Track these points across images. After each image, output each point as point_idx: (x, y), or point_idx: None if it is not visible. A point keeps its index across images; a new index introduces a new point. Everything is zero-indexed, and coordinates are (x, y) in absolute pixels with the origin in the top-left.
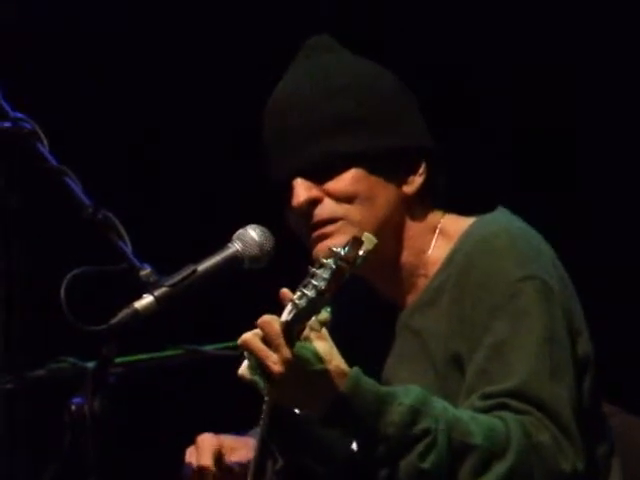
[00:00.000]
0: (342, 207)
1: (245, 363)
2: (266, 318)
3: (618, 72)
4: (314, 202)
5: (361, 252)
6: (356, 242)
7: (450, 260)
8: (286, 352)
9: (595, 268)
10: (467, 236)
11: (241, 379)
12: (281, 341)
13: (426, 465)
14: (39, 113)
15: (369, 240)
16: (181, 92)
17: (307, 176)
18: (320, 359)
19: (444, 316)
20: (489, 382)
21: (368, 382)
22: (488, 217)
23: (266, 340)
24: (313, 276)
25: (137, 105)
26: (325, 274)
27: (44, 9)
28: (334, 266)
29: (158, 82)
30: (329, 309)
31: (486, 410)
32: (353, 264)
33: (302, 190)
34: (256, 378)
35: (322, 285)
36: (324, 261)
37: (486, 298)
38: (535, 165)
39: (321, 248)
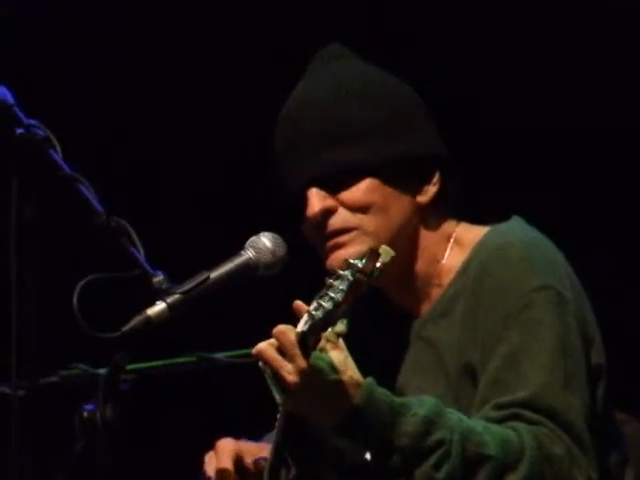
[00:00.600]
0: (356, 217)
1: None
2: (281, 328)
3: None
4: (328, 212)
5: (378, 264)
6: (373, 254)
7: (464, 269)
8: (301, 362)
9: (606, 273)
10: (482, 245)
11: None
12: (296, 351)
13: (440, 475)
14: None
15: (386, 252)
16: (187, 97)
17: (321, 186)
18: (335, 369)
19: (458, 325)
20: (502, 392)
21: (382, 393)
22: (502, 226)
23: (281, 350)
24: (330, 287)
25: (140, 117)
26: (342, 286)
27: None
28: (351, 278)
29: (161, 85)
30: (345, 321)
31: (499, 420)
32: (370, 276)
33: (316, 200)
34: (272, 388)
35: (339, 297)
36: (341, 272)
37: (500, 307)
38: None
39: (335, 258)
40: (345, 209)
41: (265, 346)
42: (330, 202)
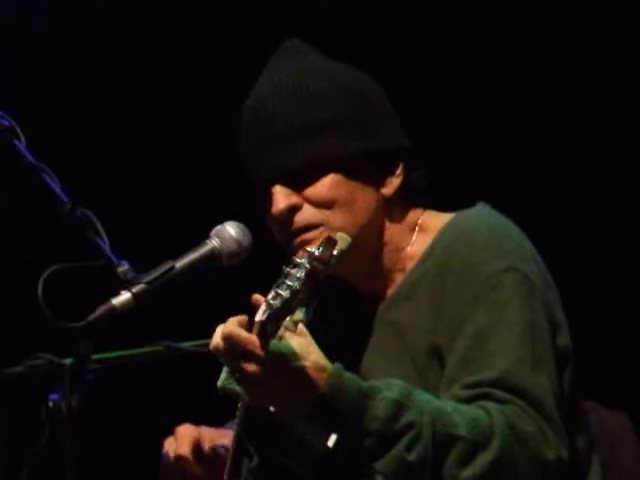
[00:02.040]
0: (322, 213)
1: (223, 374)
2: (227, 331)
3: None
4: (293, 209)
5: (335, 252)
6: (330, 242)
7: (429, 254)
8: (259, 351)
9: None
10: (446, 230)
11: (221, 391)
12: (250, 344)
13: (412, 457)
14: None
15: (343, 239)
16: (149, 86)
17: (285, 182)
18: (297, 356)
19: (423, 308)
20: (471, 371)
21: (350, 377)
22: (468, 211)
23: (236, 345)
24: (287, 276)
25: (121, 103)
26: (299, 274)
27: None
28: (308, 266)
29: (140, 79)
30: (304, 309)
31: (469, 400)
32: (327, 264)
33: (281, 197)
34: (232, 386)
35: (296, 285)
36: (298, 261)
37: (467, 289)
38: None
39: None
40: (310, 205)
41: (219, 340)
42: (295, 199)
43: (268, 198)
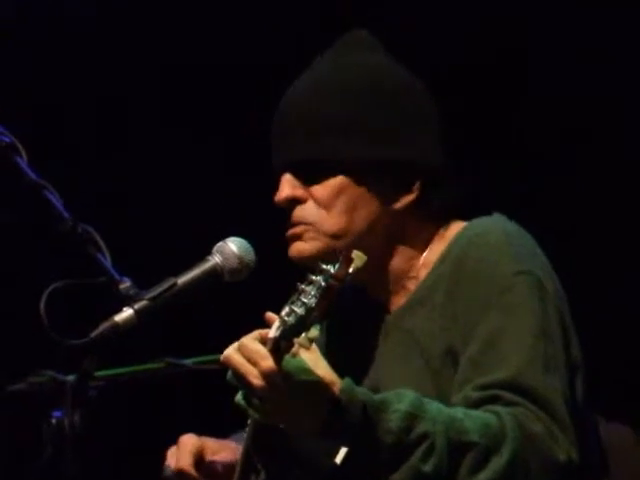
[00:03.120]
0: (319, 213)
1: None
2: (243, 341)
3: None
4: (295, 201)
5: (351, 270)
6: (346, 259)
7: (443, 259)
8: (267, 365)
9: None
10: (461, 236)
11: (238, 406)
12: (259, 356)
13: (428, 468)
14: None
15: (359, 258)
16: (160, 101)
17: (297, 174)
18: (306, 371)
19: (437, 312)
20: (482, 373)
21: (361, 392)
22: (482, 219)
23: (247, 357)
24: (302, 292)
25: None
26: (314, 291)
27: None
28: (323, 284)
29: (139, 83)
30: (318, 326)
31: (480, 401)
32: (342, 281)
33: (287, 186)
34: (243, 401)
35: (312, 302)
36: (313, 278)
37: (480, 291)
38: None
39: (292, 249)
40: (312, 202)
41: (232, 351)
42: (299, 192)
43: (279, 184)
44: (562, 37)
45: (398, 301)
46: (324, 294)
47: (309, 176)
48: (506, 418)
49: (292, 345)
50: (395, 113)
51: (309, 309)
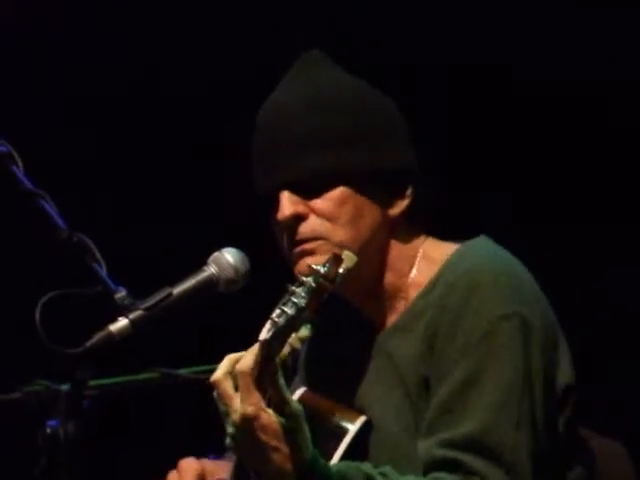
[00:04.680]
0: (325, 225)
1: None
2: (215, 376)
3: None
4: (299, 218)
5: (341, 270)
6: (336, 260)
7: (431, 288)
8: (247, 410)
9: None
10: (450, 265)
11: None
12: (244, 396)
13: None
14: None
15: (349, 258)
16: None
17: (294, 190)
18: (276, 434)
19: (418, 340)
20: (448, 424)
21: (322, 467)
22: (472, 245)
23: (223, 398)
24: (292, 294)
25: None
26: (305, 292)
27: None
28: (314, 284)
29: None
30: (309, 326)
31: (441, 465)
32: (333, 282)
33: (288, 204)
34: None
35: (302, 303)
36: (304, 279)
37: (461, 332)
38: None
39: (302, 265)
40: (316, 216)
41: (221, 377)
42: (301, 208)
43: (275, 203)
44: (547, 40)
45: (388, 321)
46: (314, 294)
47: (309, 190)
48: None
49: (283, 346)
50: (381, 123)
51: (299, 309)
